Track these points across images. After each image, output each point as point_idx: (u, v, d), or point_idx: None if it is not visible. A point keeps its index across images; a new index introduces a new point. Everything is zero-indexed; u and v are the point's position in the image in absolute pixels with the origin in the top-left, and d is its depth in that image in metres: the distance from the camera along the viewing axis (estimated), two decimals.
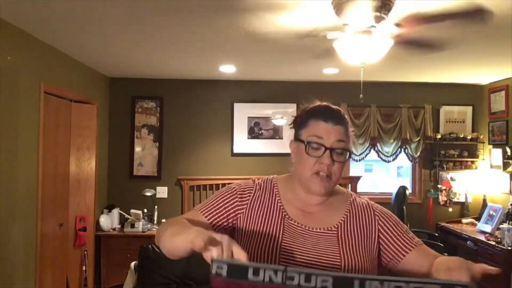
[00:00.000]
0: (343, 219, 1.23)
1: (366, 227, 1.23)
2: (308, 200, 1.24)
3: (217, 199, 1.25)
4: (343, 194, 1.30)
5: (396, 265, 1.21)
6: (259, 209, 1.23)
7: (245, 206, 1.24)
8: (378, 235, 1.22)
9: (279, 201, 1.25)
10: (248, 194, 1.26)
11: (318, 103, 1.25)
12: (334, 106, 1.23)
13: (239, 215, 1.23)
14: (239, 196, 1.26)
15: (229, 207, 1.23)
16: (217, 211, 1.22)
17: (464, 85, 5.17)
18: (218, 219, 1.21)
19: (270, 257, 1.14)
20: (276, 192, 1.27)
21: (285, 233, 1.17)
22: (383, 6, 2.28)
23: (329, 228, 1.20)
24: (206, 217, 1.21)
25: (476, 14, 2.53)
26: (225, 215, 1.22)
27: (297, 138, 1.22)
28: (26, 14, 2.73)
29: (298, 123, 1.24)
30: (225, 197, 1.25)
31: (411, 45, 2.93)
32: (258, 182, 1.31)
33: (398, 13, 2.49)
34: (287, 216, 1.21)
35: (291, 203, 1.24)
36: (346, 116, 1.23)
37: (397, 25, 2.62)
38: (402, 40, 2.77)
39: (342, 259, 1.13)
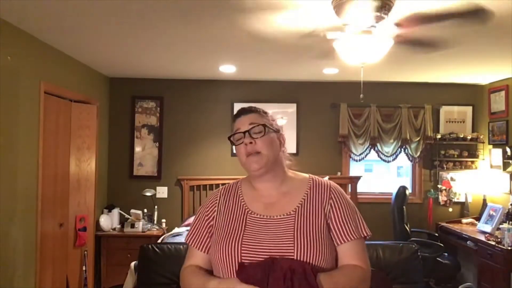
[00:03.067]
0: (301, 202, 1.31)
1: (320, 206, 1.31)
2: (263, 187, 1.36)
3: (196, 225, 1.42)
4: (303, 179, 1.40)
5: (336, 247, 1.30)
6: (224, 212, 1.37)
7: (214, 215, 1.39)
8: (328, 215, 1.30)
9: (242, 200, 1.37)
10: (213, 205, 1.41)
11: None
12: (247, 107, 1.42)
13: (211, 224, 1.38)
14: (205, 212, 1.41)
15: (205, 225, 1.39)
16: (201, 237, 1.39)
17: (464, 85, 5.17)
18: (206, 241, 1.38)
19: (234, 252, 1.23)
20: (240, 193, 1.40)
21: (247, 227, 1.28)
22: (383, 6, 2.28)
23: (288, 213, 1.28)
24: (198, 249, 1.38)
25: (476, 14, 2.53)
26: (207, 234, 1.38)
27: (231, 141, 1.39)
28: (26, 14, 2.73)
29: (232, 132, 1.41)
30: (200, 220, 1.42)
31: (412, 44, 2.93)
32: (223, 189, 1.46)
33: (398, 13, 2.49)
34: (249, 211, 1.32)
35: (255, 199, 1.36)
36: (258, 108, 1.43)
37: (397, 24, 2.62)
38: (403, 39, 2.77)
39: (295, 249, 1.20)
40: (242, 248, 1.23)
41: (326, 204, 1.31)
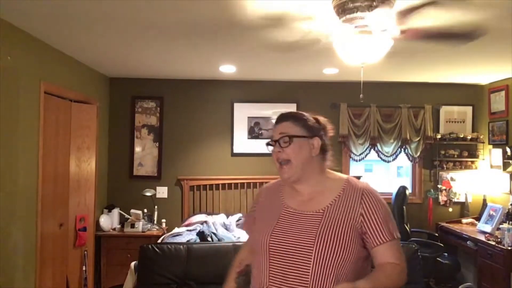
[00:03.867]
0: (332, 202, 1.39)
1: (352, 209, 1.37)
2: (299, 188, 1.46)
3: (247, 214, 1.67)
4: (339, 180, 1.47)
5: (370, 250, 1.37)
6: (265, 205, 1.54)
7: (257, 206, 1.59)
8: (361, 219, 1.36)
9: (281, 197, 1.50)
10: (258, 198, 1.63)
11: None
12: (285, 112, 1.51)
13: (255, 216, 1.57)
14: (253, 203, 1.65)
15: (251, 215, 1.61)
16: (250, 224, 1.58)
17: (464, 85, 5.17)
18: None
19: (264, 239, 1.39)
20: (281, 191, 1.52)
21: (280, 219, 1.41)
22: (383, 6, 2.28)
23: (317, 211, 1.38)
24: (249, 234, 1.62)
25: (473, 34, 2.61)
26: (253, 221, 1.56)
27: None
28: (26, 14, 2.73)
29: None
30: (250, 210, 1.67)
31: (423, 38, 2.92)
32: (269, 184, 1.63)
33: (397, 12, 2.49)
34: (285, 206, 1.45)
35: (292, 196, 1.47)
36: (294, 114, 1.50)
37: (396, 22, 2.62)
38: (411, 35, 2.76)
39: (315, 245, 1.30)
40: (271, 237, 1.38)
41: (357, 207, 1.37)
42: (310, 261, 1.29)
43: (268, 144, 1.50)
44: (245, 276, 1.55)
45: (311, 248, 1.30)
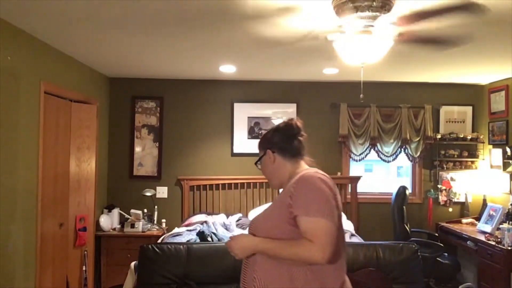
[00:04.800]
0: (281, 190, 1.65)
1: (284, 195, 1.56)
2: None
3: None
4: (298, 175, 1.60)
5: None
6: None
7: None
8: (289, 196, 1.52)
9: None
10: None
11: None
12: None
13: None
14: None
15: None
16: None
17: (464, 85, 5.17)
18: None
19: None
20: None
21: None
22: (383, 6, 2.28)
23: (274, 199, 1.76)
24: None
25: (470, 8, 2.57)
26: None
27: None
28: (26, 14, 2.73)
29: None
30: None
31: (415, 42, 2.93)
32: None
33: (395, 13, 2.49)
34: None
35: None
36: (260, 138, 1.74)
37: (395, 23, 2.62)
38: (406, 38, 2.77)
39: (253, 223, 1.63)
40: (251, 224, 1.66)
41: (291, 189, 1.53)
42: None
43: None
44: None
45: (250, 228, 1.65)
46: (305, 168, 1.66)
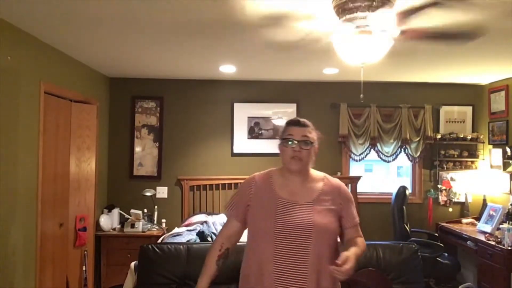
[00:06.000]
0: (317, 195, 1.80)
1: (333, 201, 1.80)
2: (291, 179, 1.81)
3: (236, 201, 1.88)
4: (319, 178, 1.87)
5: (344, 230, 1.84)
6: (259, 195, 1.81)
7: (251, 196, 1.82)
8: (340, 208, 1.81)
9: (273, 188, 1.81)
10: (251, 187, 1.84)
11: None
12: (301, 119, 1.85)
13: (249, 204, 1.81)
14: (245, 192, 1.85)
15: (244, 202, 1.83)
16: (239, 211, 1.84)
17: (464, 85, 5.17)
18: (242, 215, 1.83)
19: (268, 225, 1.71)
20: (271, 181, 1.84)
21: (278, 208, 1.74)
22: (383, 6, 2.28)
23: (308, 202, 1.77)
24: (235, 220, 1.85)
25: (472, 34, 2.61)
26: (244, 209, 1.82)
27: (280, 139, 1.83)
28: (26, 14, 2.73)
29: (281, 132, 1.86)
30: (241, 198, 1.86)
31: (422, 39, 2.92)
32: (257, 176, 1.89)
33: (397, 10, 2.49)
34: (279, 197, 1.77)
35: (282, 187, 1.80)
36: (309, 123, 1.84)
37: (396, 22, 2.62)
38: (411, 35, 2.76)
39: (314, 219, 1.71)
40: (275, 224, 1.70)
41: (337, 199, 1.81)
42: (311, 240, 1.68)
43: (285, 139, 1.79)
44: (224, 259, 1.82)
45: (312, 230, 1.68)
46: (315, 171, 1.91)
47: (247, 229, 1.85)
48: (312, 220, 1.70)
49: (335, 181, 1.88)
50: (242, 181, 1.90)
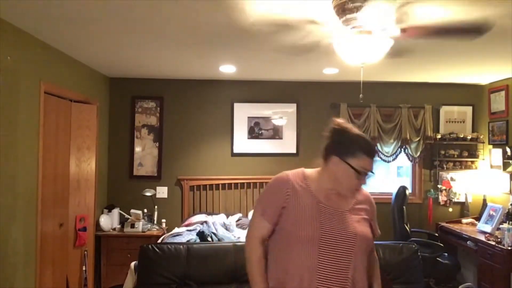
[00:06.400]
0: (353, 204, 1.73)
1: (366, 211, 1.77)
2: (330, 192, 1.69)
3: (271, 202, 1.69)
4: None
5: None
6: (298, 199, 1.66)
7: (288, 198, 1.66)
8: (370, 218, 1.79)
9: (311, 190, 1.68)
10: (289, 187, 1.68)
11: (358, 133, 1.70)
12: (371, 142, 1.72)
13: (284, 206, 1.65)
14: (284, 190, 1.67)
15: (280, 203, 1.66)
16: (273, 212, 1.67)
17: (464, 85, 5.17)
18: (276, 217, 1.67)
19: (314, 232, 1.59)
20: (307, 183, 1.70)
21: (321, 214, 1.63)
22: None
23: (346, 210, 1.69)
24: (267, 222, 1.68)
25: (478, 29, 2.58)
26: (278, 210, 1.66)
27: (345, 162, 1.64)
28: (26, 14, 2.73)
29: (344, 148, 1.66)
30: (278, 198, 1.68)
31: (418, 36, 2.90)
32: (292, 175, 1.72)
33: (404, 20, 2.49)
34: (319, 201, 1.66)
35: (319, 191, 1.68)
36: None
37: (402, 30, 2.62)
38: (412, 33, 2.74)
39: (356, 228, 1.65)
40: (321, 231, 1.60)
41: (369, 208, 1.80)
42: (354, 249, 1.61)
43: (362, 173, 1.66)
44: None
45: (355, 239, 1.62)
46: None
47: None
48: (354, 228, 1.65)
49: (365, 190, 1.83)
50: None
